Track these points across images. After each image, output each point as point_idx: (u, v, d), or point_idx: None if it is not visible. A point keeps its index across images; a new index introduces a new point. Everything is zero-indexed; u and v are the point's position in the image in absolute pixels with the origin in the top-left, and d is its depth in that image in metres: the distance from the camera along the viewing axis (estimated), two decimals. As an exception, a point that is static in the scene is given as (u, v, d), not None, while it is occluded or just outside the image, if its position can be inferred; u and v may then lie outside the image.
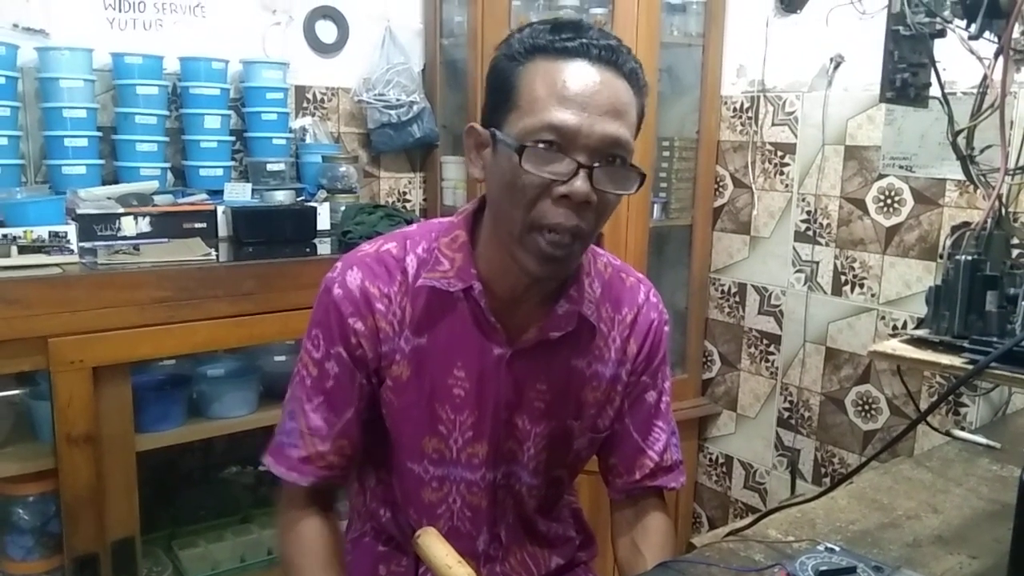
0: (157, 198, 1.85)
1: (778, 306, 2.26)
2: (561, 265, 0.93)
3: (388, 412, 1.04)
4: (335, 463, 1.03)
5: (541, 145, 0.86)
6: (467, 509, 1.06)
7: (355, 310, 0.99)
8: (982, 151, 1.03)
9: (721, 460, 2.47)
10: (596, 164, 0.87)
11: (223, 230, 1.88)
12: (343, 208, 2.02)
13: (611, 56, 0.88)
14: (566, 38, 0.88)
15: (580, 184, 0.87)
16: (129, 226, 1.74)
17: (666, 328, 1.13)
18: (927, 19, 0.98)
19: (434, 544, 0.79)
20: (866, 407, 2.08)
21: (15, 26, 1.83)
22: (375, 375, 1.03)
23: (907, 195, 1.95)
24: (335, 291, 1.00)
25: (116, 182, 1.90)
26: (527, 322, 1.01)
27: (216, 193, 1.99)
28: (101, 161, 1.89)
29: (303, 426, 1.02)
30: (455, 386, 1.01)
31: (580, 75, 0.87)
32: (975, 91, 1.01)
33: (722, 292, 2.41)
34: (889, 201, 1.98)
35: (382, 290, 1.00)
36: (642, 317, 1.10)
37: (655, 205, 2.29)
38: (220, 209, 1.88)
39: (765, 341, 2.31)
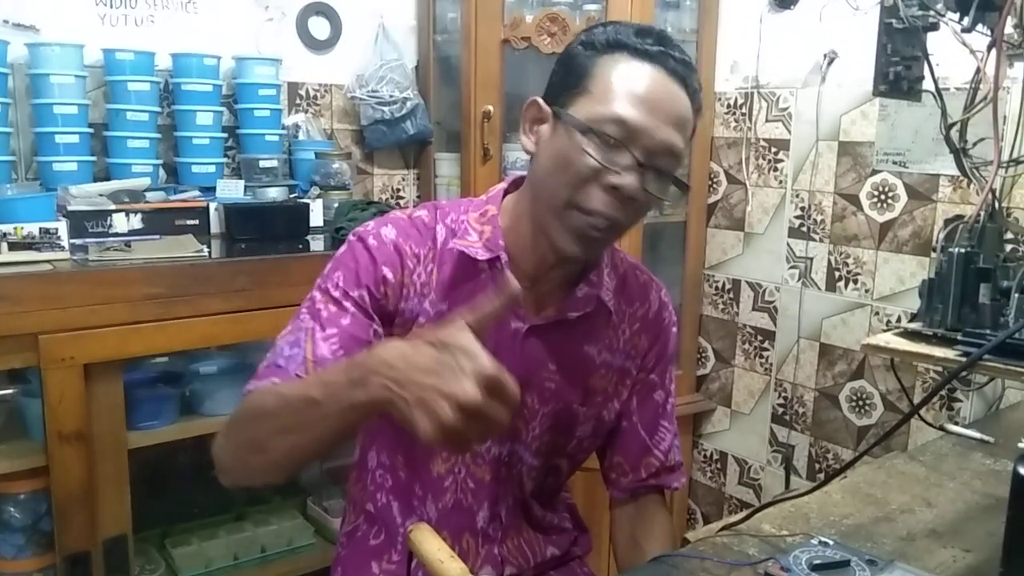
0: (149, 195, 1.84)
1: (772, 302, 2.26)
2: (591, 246, 0.97)
3: None
4: None
5: (606, 134, 0.90)
6: (471, 480, 1.07)
7: (388, 260, 1.00)
8: (975, 144, 1.03)
9: (715, 456, 2.47)
10: (649, 166, 0.92)
11: (215, 227, 1.87)
12: (336, 205, 2.02)
13: (684, 72, 0.94)
14: (649, 43, 0.93)
15: (632, 179, 0.91)
16: (121, 223, 1.73)
17: (675, 329, 1.16)
18: (920, 12, 0.98)
19: (427, 538, 0.79)
20: (860, 403, 2.09)
21: (5, 22, 1.82)
22: (387, 333, 1.02)
23: (900, 191, 1.95)
24: (370, 240, 1.01)
25: (108, 179, 1.89)
26: (546, 302, 1.04)
27: (208, 190, 1.98)
28: (92, 158, 1.87)
29: (309, 353, 0.96)
30: None
31: (655, 80, 0.92)
32: (968, 86, 1.02)
33: (716, 288, 2.41)
34: (883, 197, 1.99)
35: (413, 249, 1.02)
36: (654, 314, 1.13)
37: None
38: (212, 206, 1.87)
39: (759, 337, 2.31)
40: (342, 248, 1.04)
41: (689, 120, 0.95)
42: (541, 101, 0.98)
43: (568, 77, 0.96)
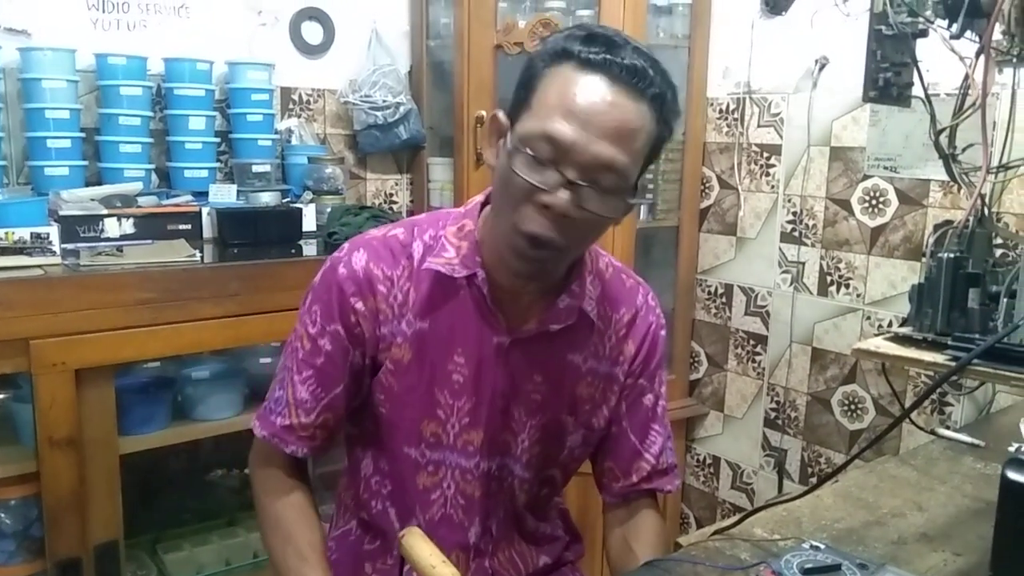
0: (141, 199, 1.84)
1: (764, 307, 2.27)
2: (538, 268, 0.95)
3: (386, 397, 1.05)
4: (316, 435, 1.06)
5: (534, 152, 0.87)
6: (461, 497, 1.07)
7: (357, 290, 1.01)
8: (964, 150, 1.03)
9: (708, 461, 2.48)
10: (585, 183, 0.87)
11: (208, 231, 1.87)
12: (329, 209, 2.02)
13: (633, 78, 0.87)
14: (593, 51, 0.87)
15: (562, 197, 0.88)
16: (113, 227, 1.72)
17: (663, 332, 1.15)
18: (909, 19, 0.98)
19: (418, 544, 0.79)
20: (852, 407, 2.09)
21: (-3, 26, 1.82)
22: (371, 359, 1.04)
23: (892, 196, 1.96)
24: (340, 270, 1.02)
25: (100, 183, 1.89)
26: (527, 314, 1.03)
27: (201, 194, 1.98)
28: (84, 162, 1.87)
29: (290, 396, 1.04)
30: (454, 372, 1.03)
31: (593, 91, 0.87)
32: (957, 92, 1.02)
33: (709, 293, 2.42)
34: (874, 202, 1.99)
35: (385, 272, 1.02)
36: (640, 319, 1.12)
37: (642, 207, 2.30)
38: (205, 210, 1.87)
39: (752, 342, 2.31)
40: (318, 277, 1.05)
41: (637, 130, 0.88)
42: (501, 115, 0.95)
43: (521, 89, 0.92)
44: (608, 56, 0.87)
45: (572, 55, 0.88)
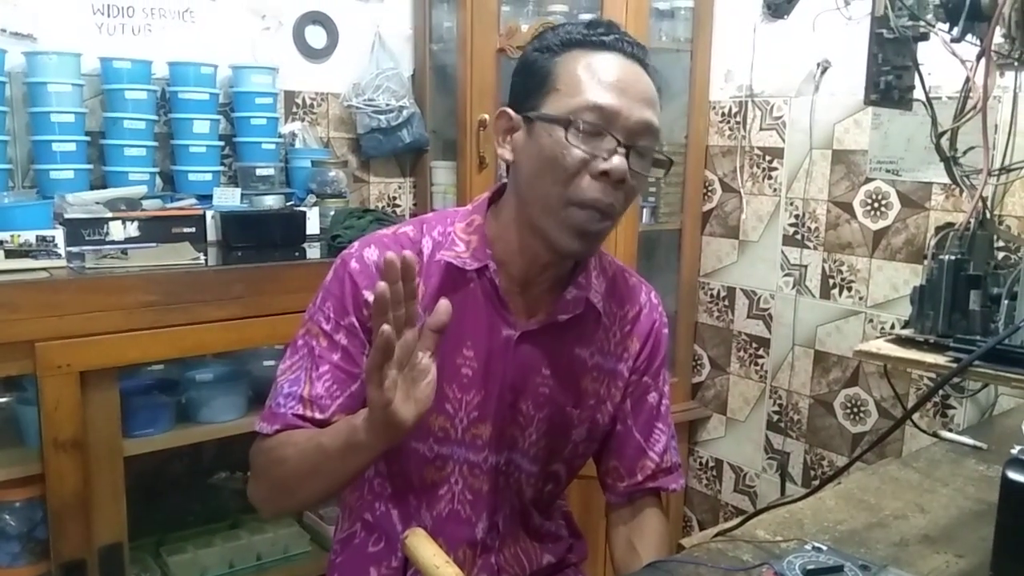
0: (146, 203, 1.84)
1: (767, 310, 2.27)
2: (592, 241, 0.99)
3: None
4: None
5: (583, 123, 0.92)
6: (468, 492, 1.07)
7: (370, 283, 1.01)
8: (965, 153, 1.04)
9: (711, 463, 2.48)
10: (630, 146, 0.94)
11: (212, 235, 1.87)
12: (332, 213, 2.02)
13: (641, 54, 0.97)
14: (601, 33, 0.96)
15: (619, 161, 0.93)
16: (117, 231, 1.73)
17: (665, 331, 1.17)
18: (910, 22, 0.99)
19: (422, 544, 0.79)
20: (854, 410, 2.09)
21: (3, 31, 1.82)
22: None
23: (894, 199, 1.96)
24: (352, 264, 1.03)
25: (104, 187, 1.89)
26: (536, 308, 1.05)
27: (205, 198, 1.98)
28: (89, 166, 1.88)
29: (306, 392, 1.02)
30: (463, 365, 1.04)
31: (617, 65, 0.95)
32: (958, 96, 1.03)
33: (711, 296, 2.42)
34: (876, 205, 2.00)
35: None
36: (644, 316, 1.14)
37: (644, 209, 2.30)
38: (209, 214, 1.87)
39: (754, 345, 2.32)
40: (329, 274, 1.06)
41: (656, 98, 0.97)
42: (510, 111, 0.99)
43: (531, 82, 0.97)
44: (616, 36, 0.96)
45: (580, 41, 0.96)
